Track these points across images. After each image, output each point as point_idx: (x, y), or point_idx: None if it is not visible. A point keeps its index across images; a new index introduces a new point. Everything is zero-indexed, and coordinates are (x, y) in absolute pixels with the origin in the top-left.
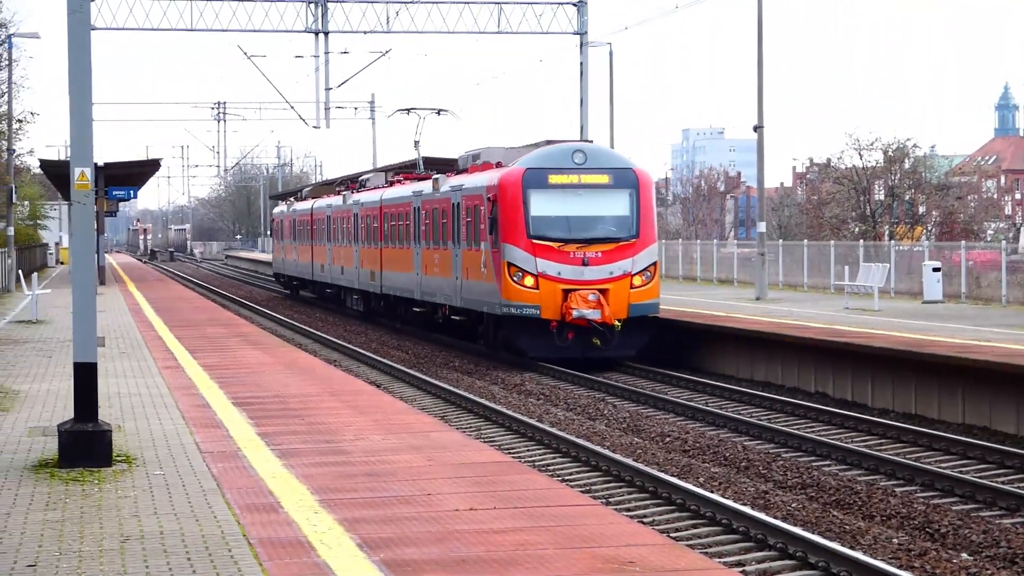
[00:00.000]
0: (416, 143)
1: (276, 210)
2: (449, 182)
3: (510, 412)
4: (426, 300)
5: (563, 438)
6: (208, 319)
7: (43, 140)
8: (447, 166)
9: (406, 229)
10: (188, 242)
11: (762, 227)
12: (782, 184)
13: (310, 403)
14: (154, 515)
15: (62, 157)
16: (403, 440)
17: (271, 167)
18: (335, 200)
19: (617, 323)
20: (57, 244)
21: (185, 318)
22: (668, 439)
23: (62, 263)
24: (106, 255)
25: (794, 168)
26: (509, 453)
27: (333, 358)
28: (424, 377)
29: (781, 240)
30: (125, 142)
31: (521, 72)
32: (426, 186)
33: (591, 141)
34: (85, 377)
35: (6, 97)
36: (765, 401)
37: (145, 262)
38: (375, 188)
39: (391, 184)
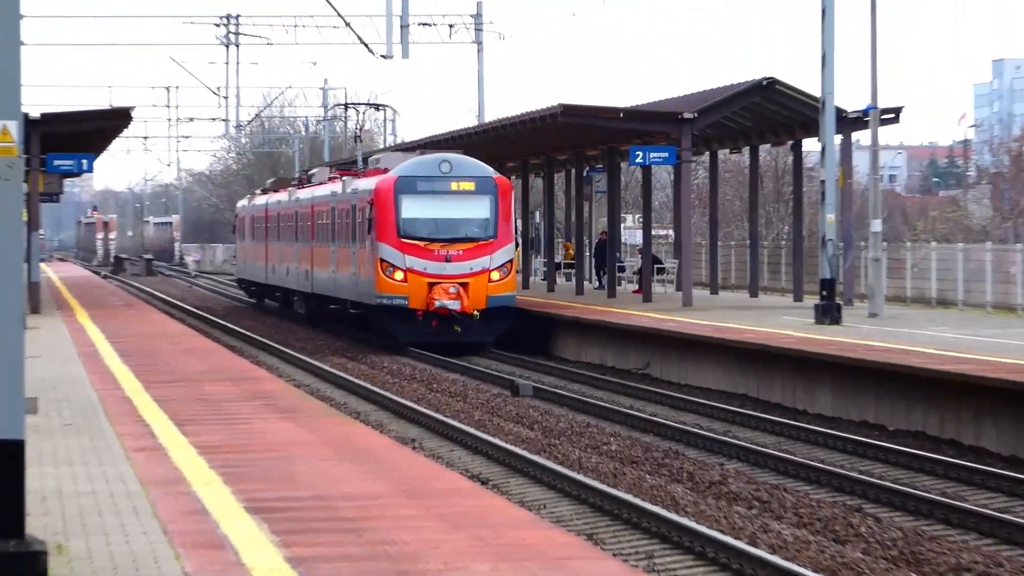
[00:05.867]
0: (357, 137)
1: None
2: (353, 184)
3: (697, 527)
4: (338, 297)
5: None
6: (208, 369)
7: None
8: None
9: (327, 228)
10: (176, 244)
11: None
12: None
13: (373, 509)
14: None
15: None
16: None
17: (313, 121)
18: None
19: (476, 313)
20: None
21: (170, 368)
22: None
23: None
24: (41, 264)
25: None
26: None
27: (411, 435)
28: (557, 468)
29: None
30: (77, 84)
31: None
32: (338, 187)
33: (461, 152)
34: (6, 465)
35: None
36: None
37: (105, 276)
38: (318, 184)
39: (331, 180)
